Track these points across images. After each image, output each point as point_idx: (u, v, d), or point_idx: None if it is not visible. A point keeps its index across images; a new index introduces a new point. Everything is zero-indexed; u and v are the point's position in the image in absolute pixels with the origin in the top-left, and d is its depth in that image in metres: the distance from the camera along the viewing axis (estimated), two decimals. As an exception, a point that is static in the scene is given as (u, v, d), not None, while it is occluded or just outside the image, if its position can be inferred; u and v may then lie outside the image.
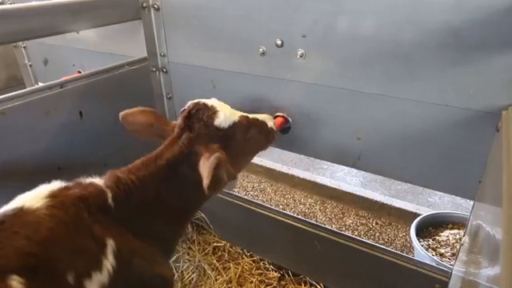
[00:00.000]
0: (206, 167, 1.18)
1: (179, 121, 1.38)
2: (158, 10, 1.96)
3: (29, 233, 0.95)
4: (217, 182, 1.17)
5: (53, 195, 1.07)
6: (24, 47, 2.99)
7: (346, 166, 1.81)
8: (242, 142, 1.47)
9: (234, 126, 1.40)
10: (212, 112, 1.36)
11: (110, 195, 1.16)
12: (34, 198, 1.05)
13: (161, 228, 1.31)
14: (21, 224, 0.97)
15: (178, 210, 1.38)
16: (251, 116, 1.56)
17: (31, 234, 0.95)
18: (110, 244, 1.08)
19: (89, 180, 1.20)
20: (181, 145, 1.31)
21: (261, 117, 1.62)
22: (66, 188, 1.12)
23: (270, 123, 1.64)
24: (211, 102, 1.41)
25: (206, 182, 1.15)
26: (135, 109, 1.43)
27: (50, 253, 0.96)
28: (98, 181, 1.20)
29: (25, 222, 0.98)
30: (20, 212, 1.00)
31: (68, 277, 0.96)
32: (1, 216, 0.98)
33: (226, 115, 1.37)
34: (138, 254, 1.16)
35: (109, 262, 1.05)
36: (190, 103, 1.42)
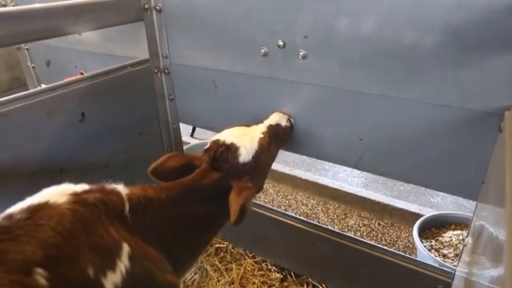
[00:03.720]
0: (233, 205, 1.30)
1: (206, 158, 1.44)
2: (159, 11, 1.97)
3: (52, 225, 0.97)
4: (242, 215, 1.30)
5: (76, 193, 1.11)
6: (27, 49, 3.00)
7: (348, 166, 1.80)
8: (267, 159, 1.57)
9: (257, 153, 1.47)
10: (234, 150, 1.42)
11: (127, 207, 1.19)
12: (60, 193, 1.08)
13: (176, 248, 1.34)
14: (45, 217, 0.99)
15: (197, 234, 1.44)
16: (266, 125, 1.63)
17: (55, 225, 0.97)
18: (125, 247, 1.10)
19: (112, 186, 1.22)
20: (212, 180, 1.39)
21: (273, 120, 1.69)
22: (89, 190, 1.16)
23: (284, 122, 1.72)
24: (229, 137, 1.47)
25: (233, 218, 1.27)
26: (161, 158, 1.46)
27: (72, 245, 0.98)
28: (121, 189, 1.23)
29: (49, 214, 1.00)
30: (45, 206, 1.03)
31: (88, 271, 0.98)
32: (27, 211, 1.01)
33: (247, 149, 1.44)
34: (150, 260, 1.18)
35: (123, 264, 1.07)
36: (210, 143, 1.48)
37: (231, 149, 1.43)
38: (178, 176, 1.43)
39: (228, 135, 1.48)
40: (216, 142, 1.46)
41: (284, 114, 1.76)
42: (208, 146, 1.48)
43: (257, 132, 1.56)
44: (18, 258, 0.88)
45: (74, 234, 1.00)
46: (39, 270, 0.88)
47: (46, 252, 0.92)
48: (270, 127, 1.63)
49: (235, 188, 1.36)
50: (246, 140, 1.47)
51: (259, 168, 1.50)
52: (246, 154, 1.43)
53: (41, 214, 1.00)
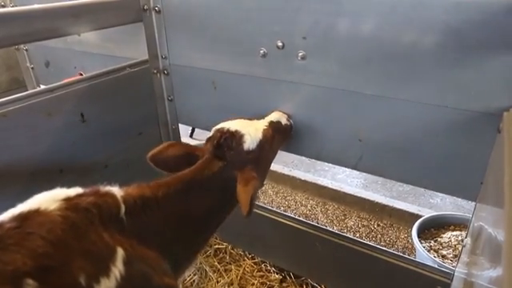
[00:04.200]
0: (244, 196, 1.28)
1: (208, 147, 1.42)
2: (159, 12, 1.97)
3: (43, 233, 0.95)
4: (252, 206, 1.28)
5: (68, 198, 1.08)
6: (26, 50, 3.00)
7: (348, 167, 1.80)
8: (269, 152, 1.56)
9: (261, 142, 1.46)
10: (239, 137, 1.40)
11: (123, 209, 1.16)
12: (51, 199, 1.06)
13: (175, 247, 1.32)
14: (35, 225, 0.97)
15: (197, 231, 1.42)
16: (267, 120, 1.63)
17: (45, 234, 0.95)
18: (120, 251, 1.07)
19: (107, 188, 1.20)
20: (215, 171, 1.37)
21: (274, 117, 1.69)
22: (82, 194, 1.13)
23: (284, 120, 1.72)
24: (233, 125, 1.45)
25: (245, 210, 1.25)
26: (160, 146, 1.44)
27: (63, 254, 0.97)
28: (116, 191, 1.20)
29: (39, 222, 0.98)
30: (36, 213, 1.01)
31: (80, 279, 0.96)
32: (17, 220, 0.99)
33: (252, 137, 1.42)
34: (147, 263, 1.16)
35: (117, 270, 1.05)
36: (214, 131, 1.46)
37: (236, 136, 1.40)
38: (178, 165, 1.40)
39: (231, 123, 1.46)
40: (220, 130, 1.44)
41: (284, 112, 1.77)
42: (211, 134, 1.46)
43: (260, 124, 1.56)
44: (8, 268, 0.86)
45: (66, 242, 0.98)
46: (29, 281, 0.86)
47: (37, 262, 0.90)
48: (272, 123, 1.63)
49: (241, 179, 1.33)
50: (250, 129, 1.45)
51: (262, 159, 1.48)
52: (250, 142, 1.41)
53: (31, 222, 0.98)
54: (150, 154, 1.41)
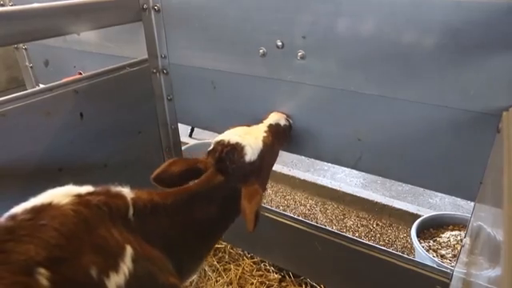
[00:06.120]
0: (248, 213, 1.30)
1: (210, 160, 1.43)
2: (158, 11, 1.96)
3: (56, 225, 0.97)
4: (257, 221, 1.31)
5: (80, 195, 1.11)
6: (25, 49, 3.00)
7: (347, 167, 1.80)
8: (271, 158, 1.58)
9: (262, 152, 1.46)
10: (240, 150, 1.41)
11: (131, 210, 1.19)
12: (63, 194, 1.08)
13: (180, 252, 1.34)
14: (48, 217, 0.99)
15: (201, 238, 1.44)
16: (266, 125, 1.64)
17: (58, 226, 0.98)
18: (129, 249, 1.10)
19: (118, 189, 1.22)
20: (218, 184, 1.38)
21: (273, 119, 1.70)
22: (93, 192, 1.16)
23: (283, 121, 1.72)
24: (233, 137, 1.45)
25: (250, 227, 1.29)
26: (163, 165, 1.44)
27: (75, 246, 0.99)
28: (126, 192, 1.22)
29: (52, 215, 1.01)
30: (48, 207, 1.03)
31: (91, 272, 0.98)
32: (31, 212, 1.01)
33: (252, 148, 1.43)
34: (153, 262, 1.19)
35: (126, 266, 1.07)
36: (214, 144, 1.46)
37: (237, 148, 1.41)
38: (181, 181, 1.41)
39: (231, 135, 1.46)
40: (220, 143, 1.44)
41: (282, 113, 1.76)
42: (212, 147, 1.47)
43: (259, 131, 1.56)
44: (21, 258, 0.89)
45: (77, 235, 1.00)
46: (42, 271, 0.89)
47: (49, 252, 0.92)
48: (271, 126, 1.63)
49: (245, 194, 1.34)
50: (250, 139, 1.45)
51: (264, 167, 1.49)
52: (251, 153, 1.42)
53: (44, 214, 1.00)
54: (154, 174, 1.41)
